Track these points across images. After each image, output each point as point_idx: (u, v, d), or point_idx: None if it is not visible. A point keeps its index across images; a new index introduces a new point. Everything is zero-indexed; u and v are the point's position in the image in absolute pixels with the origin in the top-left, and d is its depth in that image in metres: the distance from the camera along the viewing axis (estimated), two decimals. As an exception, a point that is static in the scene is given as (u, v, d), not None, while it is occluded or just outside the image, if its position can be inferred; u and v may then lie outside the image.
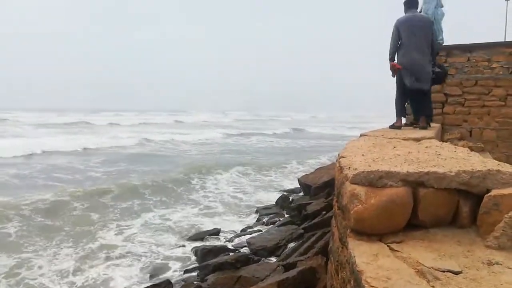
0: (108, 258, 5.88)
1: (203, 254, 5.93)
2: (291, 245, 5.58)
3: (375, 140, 2.98)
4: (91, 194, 9.00)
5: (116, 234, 6.88)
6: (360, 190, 1.56)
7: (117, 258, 5.91)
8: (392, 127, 4.75)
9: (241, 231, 7.21)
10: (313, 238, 5.12)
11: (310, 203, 7.40)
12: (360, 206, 1.52)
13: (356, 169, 1.66)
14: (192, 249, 6.19)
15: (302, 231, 5.91)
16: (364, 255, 1.38)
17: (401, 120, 5.02)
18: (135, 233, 6.94)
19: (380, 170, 1.60)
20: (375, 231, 1.55)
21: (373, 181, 1.58)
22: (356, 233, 1.56)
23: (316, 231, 5.46)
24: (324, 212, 6.21)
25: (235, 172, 12.62)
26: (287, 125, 45.83)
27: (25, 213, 7.45)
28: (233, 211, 8.55)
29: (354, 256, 1.38)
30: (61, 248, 6.20)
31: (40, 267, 5.52)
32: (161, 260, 5.90)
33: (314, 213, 6.56)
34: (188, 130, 32.15)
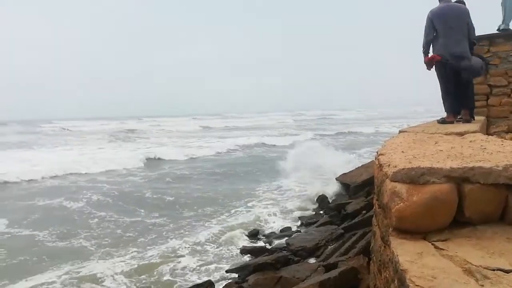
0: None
1: (243, 254, 6.01)
2: (331, 245, 5.52)
3: (415, 136, 2.89)
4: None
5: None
6: (401, 187, 1.53)
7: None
8: (443, 122, 4.57)
9: (279, 231, 7.21)
10: (353, 238, 5.04)
11: (350, 202, 7.28)
12: (401, 204, 1.49)
13: (396, 166, 1.63)
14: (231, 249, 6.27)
15: (342, 231, 5.82)
16: (408, 254, 1.36)
17: (453, 115, 4.75)
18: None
19: (421, 166, 1.56)
20: (418, 229, 1.51)
21: (415, 178, 1.54)
22: (398, 232, 1.54)
23: (357, 230, 5.37)
24: (364, 211, 6.10)
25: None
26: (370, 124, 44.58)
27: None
28: (273, 210, 8.59)
29: (398, 255, 1.36)
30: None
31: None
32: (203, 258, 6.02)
33: (354, 213, 6.45)
34: (273, 133, 32.86)
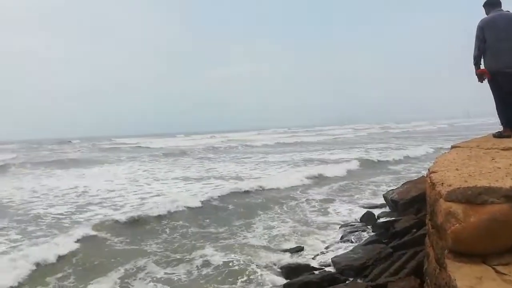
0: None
1: (287, 272, 5.93)
2: (380, 265, 5.31)
3: (470, 152, 2.76)
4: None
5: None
6: (456, 208, 1.46)
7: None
8: (499, 136, 4.33)
9: (324, 248, 7.07)
10: (403, 258, 4.83)
11: (399, 220, 7.00)
12: (457, 225, 1.43)
13: (450, 185, 1.56)
14: (276, 267, 6.21)
15: (390, 250, 5.59)
16: (466, 278, 1.29)
17: (511, 128, 4.47)
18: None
19: (478, 185, 1.49)
20: (476, 252, 1.43)
21: (471, 198, 1.47)
22: (455, 254, 1.46)
23: (407, 250, 5.14)
24: (414, 230, 5.84)
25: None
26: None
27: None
28: (314, 227, 8.46)
29: (455, 279, 1.29)
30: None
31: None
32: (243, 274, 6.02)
33: (404, 231, 6.18)
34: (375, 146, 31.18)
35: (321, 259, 6.47)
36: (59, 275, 6.20)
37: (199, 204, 10.44)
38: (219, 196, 11.33)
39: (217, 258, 6.70)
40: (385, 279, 4.43)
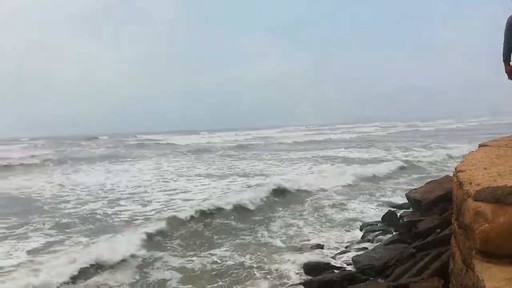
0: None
1: (307, 270, 5.92)
2: (402, 265, 5.22)
3: (498, 151, 2.68)
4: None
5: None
6: (485, 207, 1.43)
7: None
8: None
9: (345, 247, 7.01)
10: (426, 259, 4.73)
11: (422, 219, 6.86)
12: (486, 225, 1.39)
13: (479, 184, 1.53)
14: (296, 264, 6.19)
15: (413, 250, 5.49)
16: (495, 279, 1.26)
17: None
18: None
19: (508, 185, 1.45)
20: (506, 253, 1.39)
21: (501, 197, 1.43)
22: (483, 255, 1.43)
23: (430, 250, 5.03)
24: (438, 230, 5.71)
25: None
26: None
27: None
28: (335, 225, 8.40)
29: (483, 280, 1.26)
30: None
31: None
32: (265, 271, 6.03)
33: (427, 231, 6.05)
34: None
35: (341, 258, 6.42)
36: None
37: (250, 205, 10.07)
38: (265, 196, 10.96)
39: (236, 254, 6.78)
40: (407, 280, 4.36)
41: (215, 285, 5.66)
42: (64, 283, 5.62)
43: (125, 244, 6.91)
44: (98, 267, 6.17)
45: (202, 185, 14.34)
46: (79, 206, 11.09)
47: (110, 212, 10.19)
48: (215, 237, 7.94)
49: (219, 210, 9.51)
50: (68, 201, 11.89)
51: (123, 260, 6.42)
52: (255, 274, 5.95)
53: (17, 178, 18.26)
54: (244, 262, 6.44)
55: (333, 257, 6.50)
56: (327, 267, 5.92)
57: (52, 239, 7.84)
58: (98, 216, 9.75)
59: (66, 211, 10.53)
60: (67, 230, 8.48)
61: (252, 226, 8.68)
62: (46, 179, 17.46)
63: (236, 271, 6.09)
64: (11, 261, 6.57)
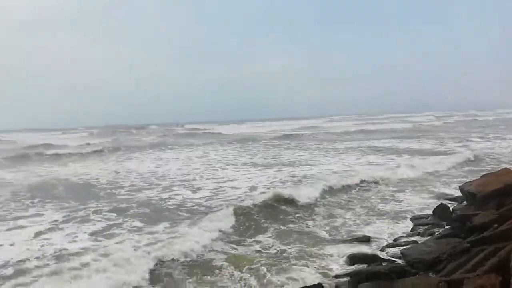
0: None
1: (354, 260, 5.87)
2: (454, 260, 5.03)
3: None
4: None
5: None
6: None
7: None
8: None
9: (393, 240, 6.86)
10: (482, 254, 4.52)
11: (477, 214, 6.54)
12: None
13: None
14: (343, 255, 6.16)
15: (467, 245, 5.26)
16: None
17: None
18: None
19: None
20: None
21: None
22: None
23: (486, 246, 4.80)
24: (495, 225, 5.42)
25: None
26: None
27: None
28: (384, 217, 8.23)
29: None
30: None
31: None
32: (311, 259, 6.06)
33: (482, 226, 5.76)
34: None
35: (390, 250, 6.31)
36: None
37: (301, 197, 9.67)
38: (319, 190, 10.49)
39: (278, 243, 6.88)
40: (461, 275, 4.19)
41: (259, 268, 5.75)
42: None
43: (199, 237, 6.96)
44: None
45: (249, 173, 14.58)
46: (134, 192, 11.74)
47: (164, 198, 10.70)
48: (265, 224, 8.05)
49: (276, 200, 9.41)
50: (123, 187, 12.63)
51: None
52: (299, 263, 5.99)
53: (75, 165, 19.61)
54: (287, 250, 6.51)
55: (381, 250, 6.39)
56: (375, 259, 5.84)
57: (111, 222, 8.35)
58: (153, 202, 10.26)
59: (123, 196, 11.20)
60: (125, 213, 9.01)
61: (299, 215, 8.69)
62: (102, 166, 18.60)
63: (279, 259, 6.17)
64: (77, 244, 6.97)
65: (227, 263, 6.04)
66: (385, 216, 8.37)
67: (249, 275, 5.60)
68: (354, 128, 43.74)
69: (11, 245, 7.03)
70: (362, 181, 11.78)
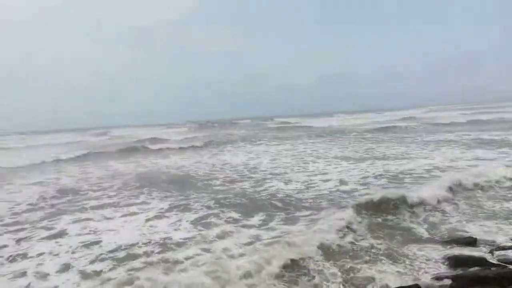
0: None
1: (456, 263, 5.44)
2: None
3: None
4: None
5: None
6: None
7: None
8: None
9: (506, 242, 6.17)
10: None
11: None
12: None
13: None
14: (444, 256, 5.75)
15: None
16: None
17: None
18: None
19: None
20: None
21: None
22: None
23: None
24: None
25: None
26: None
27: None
28: (494, 217, 7.43)
29: None
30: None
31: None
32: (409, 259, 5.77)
33: None
34: None
35: (501, 254, 5.68)
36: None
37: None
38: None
39: (373, 239, 6.65)
40: None
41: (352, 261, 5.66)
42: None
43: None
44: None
45: (341, 167, 14.33)
46: (229, 184, 12.38)
47: (258, 190, 11.07)
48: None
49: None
50: (218, 178, 13.43)
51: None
52: (389, 259, 5.78)
53: (175, 157, 21.31)
54: (378, 246, 6.30)
55: (490, 252, 5.81)
56: (481, 262, 5.34)
57: (211, 211, 8.89)
58: (248, 193, 10.71)
59: (219, 187, 11.89)
60: (223, 202, 9.55)
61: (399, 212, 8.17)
62: (198, 159, 19.96)
63: (368, 256, 5.99)
64: (181, 233, 7.48)
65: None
66: (496, 216, 7.54)
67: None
68: (459, 120, 39.84)
69: (124, 230, 7.91)
70: (465, 175, 10.59)
